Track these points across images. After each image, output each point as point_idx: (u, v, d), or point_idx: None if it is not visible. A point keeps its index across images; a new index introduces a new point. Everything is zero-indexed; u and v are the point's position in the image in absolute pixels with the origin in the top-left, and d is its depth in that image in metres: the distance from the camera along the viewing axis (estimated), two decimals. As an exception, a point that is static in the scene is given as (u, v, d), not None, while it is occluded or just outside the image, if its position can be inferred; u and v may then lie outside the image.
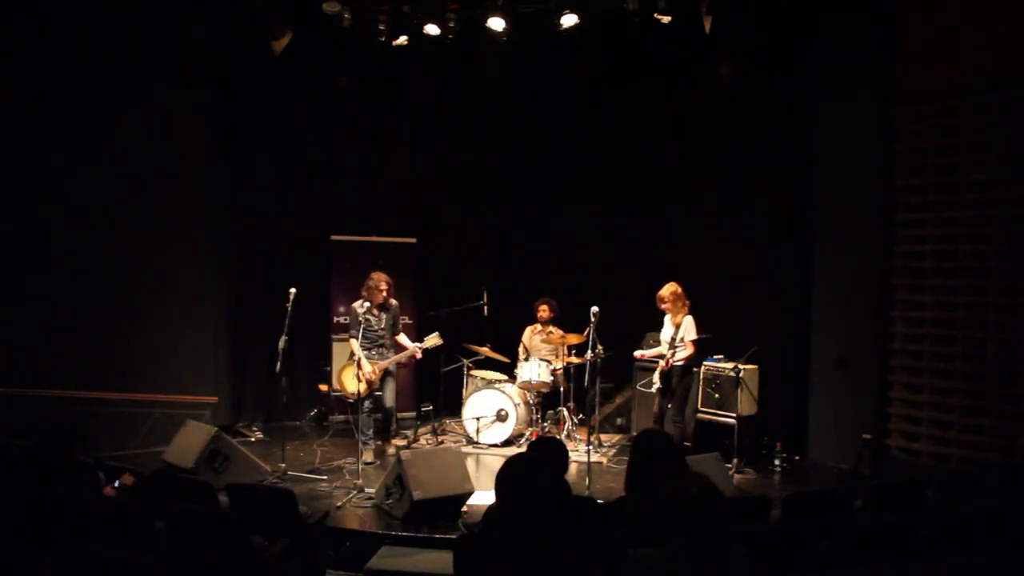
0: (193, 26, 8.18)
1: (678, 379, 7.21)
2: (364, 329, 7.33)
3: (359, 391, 7.13)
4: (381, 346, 7.61)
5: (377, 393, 7.68)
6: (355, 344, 7.35)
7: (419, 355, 7.82)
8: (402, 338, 7.84)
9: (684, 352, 7.15)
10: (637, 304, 8.20)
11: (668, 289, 7.27)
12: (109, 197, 7.90)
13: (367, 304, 7.48)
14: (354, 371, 7.29)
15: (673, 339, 7.20)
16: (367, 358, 7.43)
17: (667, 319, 7.37)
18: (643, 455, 3.79)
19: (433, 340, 7.73)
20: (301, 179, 9.14)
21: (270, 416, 8.81)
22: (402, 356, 7.74)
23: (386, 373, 7.60)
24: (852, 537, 3.96)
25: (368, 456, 7.34)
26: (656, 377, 7.35)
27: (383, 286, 7.48)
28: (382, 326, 7.59)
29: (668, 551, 2.83)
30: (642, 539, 3.04)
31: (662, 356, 7.28)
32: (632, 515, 3.73)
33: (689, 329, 7.17)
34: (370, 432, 7.51)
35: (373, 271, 7.68)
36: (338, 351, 8.80)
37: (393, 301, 7.68)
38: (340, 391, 7.95)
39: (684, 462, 3.80)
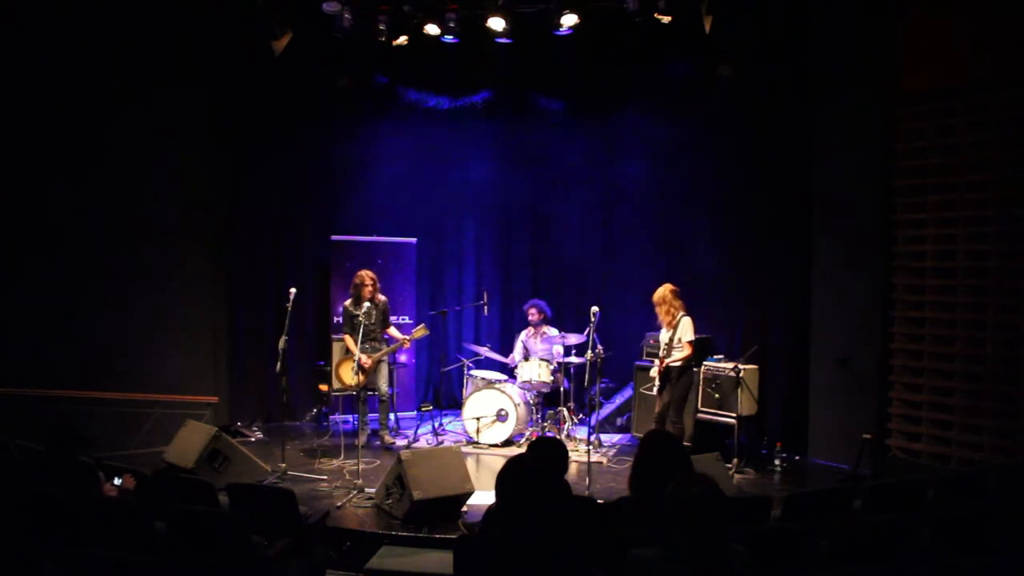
0: (194, 26, 8.18)
1: (676, 380, 7.21)
2: (358, 325, 7.57)
3: (357, 382, 7.53)
4: (373, 339, 7.90)
5: (371, 392, 8.02)
6: (349, 340, 7.68)
7: (408, 345, 8.24)
8: (393, 331, 8.15)
9: (681, 352, 7.14)
10: (637, 304, 8.21)
11: (659, 292, 7.26)
12: (109, 197, 7.91)
13: (355, 301, 7.85)
14: (351, 365, 7.69)
15: (671, 340, 7.20)
16: (361, 351, 7.66)
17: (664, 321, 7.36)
18: (649, 455, 3.79)
19: (420, 331, 8.06)
20: (301, 179, 9.15)
21: (270, 416, 8.82)
22: (393, 347, 8.08)
23: (379, 363, 7.93)
24: (852, 537, 3.96)
25: (362, 439, 7.66)
26: (655, 376, 7.33)
27: (367, 282, 7.83)
28: (372, 321, 7.84)
29: (668, 551, 2.83)
30: (642, 539, 3.04)
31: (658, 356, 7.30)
32: (633, 515, 3.73)
33: (686, 330, 7.16)
34: (366, 419, 8.00)
35: (359, 271, 8.03)
36: (338, 351, 8.79)
37: (381, 297, 7.99)
38: (340, 386, 8.21)
39: (690, 463, 3.79)
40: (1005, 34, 6.71)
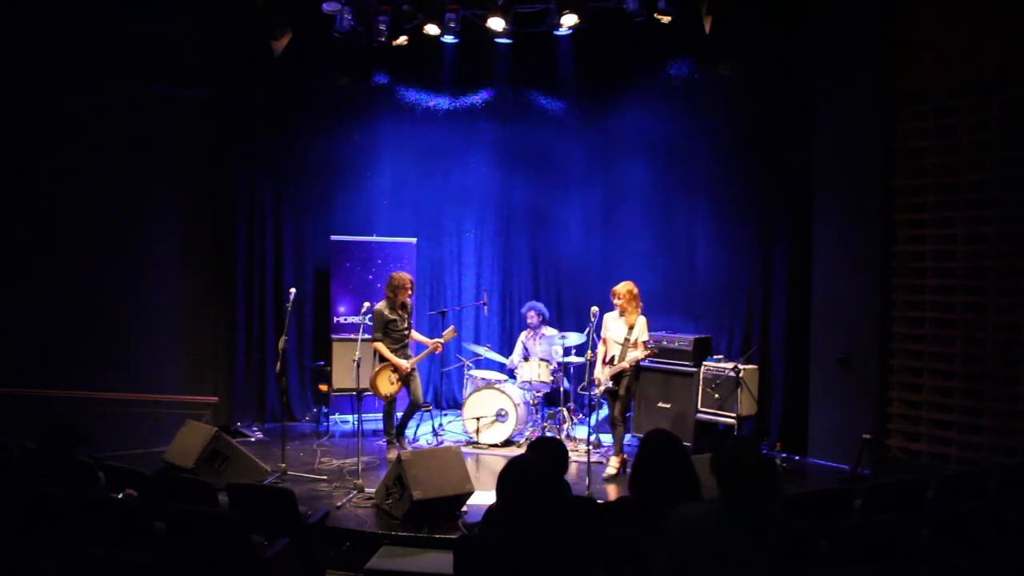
0: (194, 25, 8.19)
1: (632, 379, 7.12)
2: (391, 330, 7.42)
3: (393, 392, 7.41)
4: (405, 345, 7.62)
5: (426, 408, 7.82)
6: (382, 347, 7.40)
7: (439, 349, 7.90)
8: (416, 334, 7.85)
9: (637, 353, 7.02)
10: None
11: (626, 287, 7.10)
12: (109, 197, 7.90)
13: (390, 304, 7.49)
14: (387, 374, 7.41)
15: (627, 339, 7.04)
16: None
17: (612, 317, 7.16)
18: (651, 455, 3.79)
19: (450, 334, 7.85)
20: (301, 178, 9.15)
21: (270, 416, 8.82)
22: (426, 353, 7.79)
23: (412, 370, 7.62)
24: (852, 537, 3.96)
25: (393, 454, 7.35)
26: (607, 379, 7.09)
27: (408, 285, 7.50)
28: (405, 326, 7.59)
29: (712, 505, 2.87)
30: (643, 539, 3.04)
31: (612, 359, 7.11)
32: (633, 515, 3.73)
33: (643, 330, 7.07)
34: (393, 432, 7.66)
35: (394, 272, 7.70)
36: (338, 351, 8.79)
37: (408, 301, 7.68)
38: (373, 394, 7.57)
39: (690, 463, 3.79)
40: (1005, 34, 6.71)
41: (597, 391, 7.25)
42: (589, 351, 7.23)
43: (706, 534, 2.84)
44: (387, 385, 7.46)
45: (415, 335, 7.83)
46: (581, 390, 7.96)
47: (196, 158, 8.47)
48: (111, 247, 7.92)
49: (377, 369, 7.47)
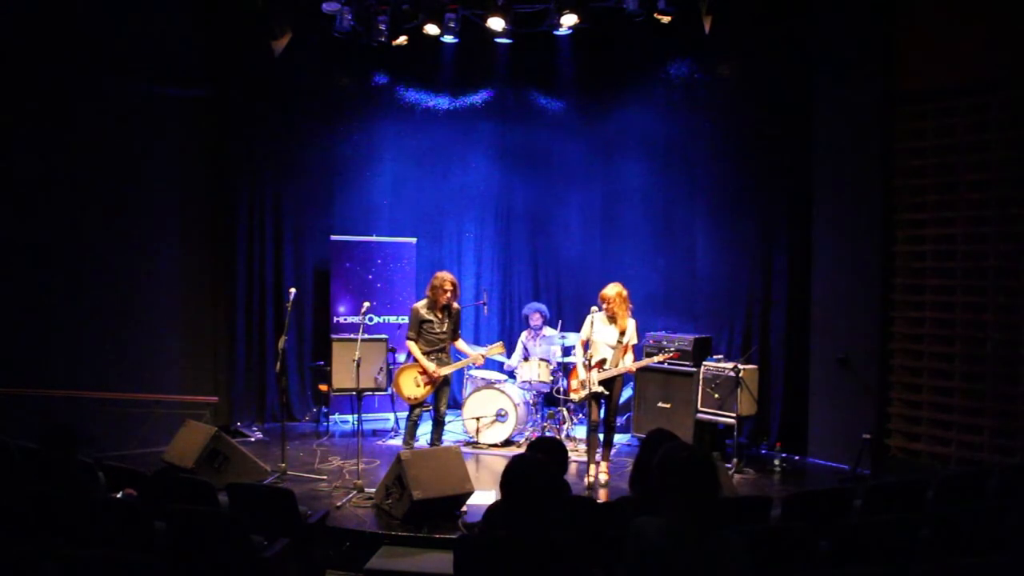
0: (194, 26, 8.19)
1: (622, 383, 7.04)
2: (426, 331, 7.08)
3: (418, 395, 7.08)
4: (441, 350, 7.14)
5: (427, 408, 7.34)
6: (414, 347, 7.08)
7: (481, 362, 7.50)
8: (461, 343, 7.41)
9: (631, 357, 6.92)
10: (637, 304, 8.21)
11: (615, 290, 6.86)
12: (109, 197, 7.90)
13: (430, 305, 7.10)
14: (414, 375, 7.11)
15: (618, 343, 6.84)
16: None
17: (601, 319, 6.87)
18: (651, 455, 3.78)
19: (496, 349, 7.50)
20: (301, 178, 9.15)
21: (270, 416, 8.82)
22: (463, 363, 7.43)
23: (443, 380, 7.17)
24: (852, 537, 3.96)
25: None
26: (593, 384, 6.77)
27: (448, 286, 7.04)
28: (444, 329, 7.12)
29: (667, 523, 2.83)
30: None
31: (603, 361, 6.85)
32: (633, 515, 3.73)
33: (633, 334, 6.94)
34: (415, 438, 7.26)
35: (439, 271, 7.33)
36: (338, 351, 8.74)
37: (455, 304, 7.21)
38: (397, 394, 7.32)
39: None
40: (1006, 34, 6.71)
41: (579, 396, 6.99)
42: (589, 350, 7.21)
43: (658, 551, 2.78)
44: (411, 386, 7.10)
45: (460, 344, 7.37)
46: (563, 394, 7.98)
47: (196, 158, 8.47)
48: (111, 247, 7.90)
49: (402, 366, 7.21)
